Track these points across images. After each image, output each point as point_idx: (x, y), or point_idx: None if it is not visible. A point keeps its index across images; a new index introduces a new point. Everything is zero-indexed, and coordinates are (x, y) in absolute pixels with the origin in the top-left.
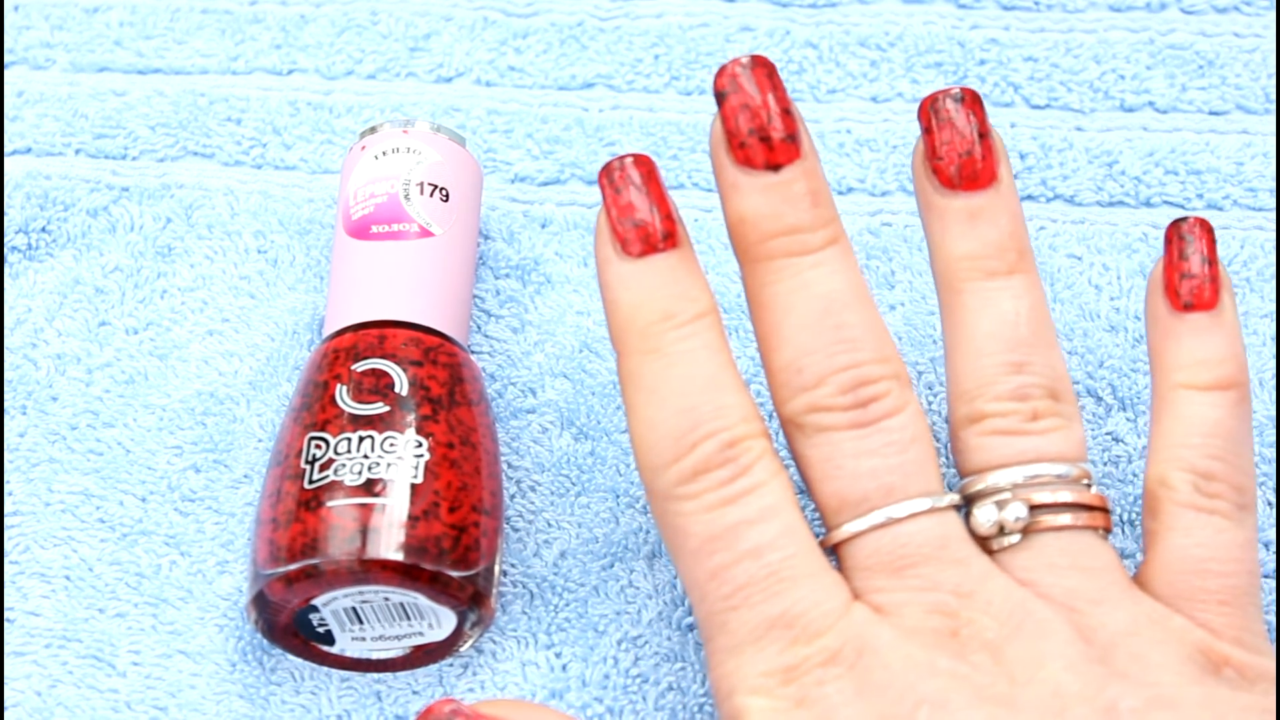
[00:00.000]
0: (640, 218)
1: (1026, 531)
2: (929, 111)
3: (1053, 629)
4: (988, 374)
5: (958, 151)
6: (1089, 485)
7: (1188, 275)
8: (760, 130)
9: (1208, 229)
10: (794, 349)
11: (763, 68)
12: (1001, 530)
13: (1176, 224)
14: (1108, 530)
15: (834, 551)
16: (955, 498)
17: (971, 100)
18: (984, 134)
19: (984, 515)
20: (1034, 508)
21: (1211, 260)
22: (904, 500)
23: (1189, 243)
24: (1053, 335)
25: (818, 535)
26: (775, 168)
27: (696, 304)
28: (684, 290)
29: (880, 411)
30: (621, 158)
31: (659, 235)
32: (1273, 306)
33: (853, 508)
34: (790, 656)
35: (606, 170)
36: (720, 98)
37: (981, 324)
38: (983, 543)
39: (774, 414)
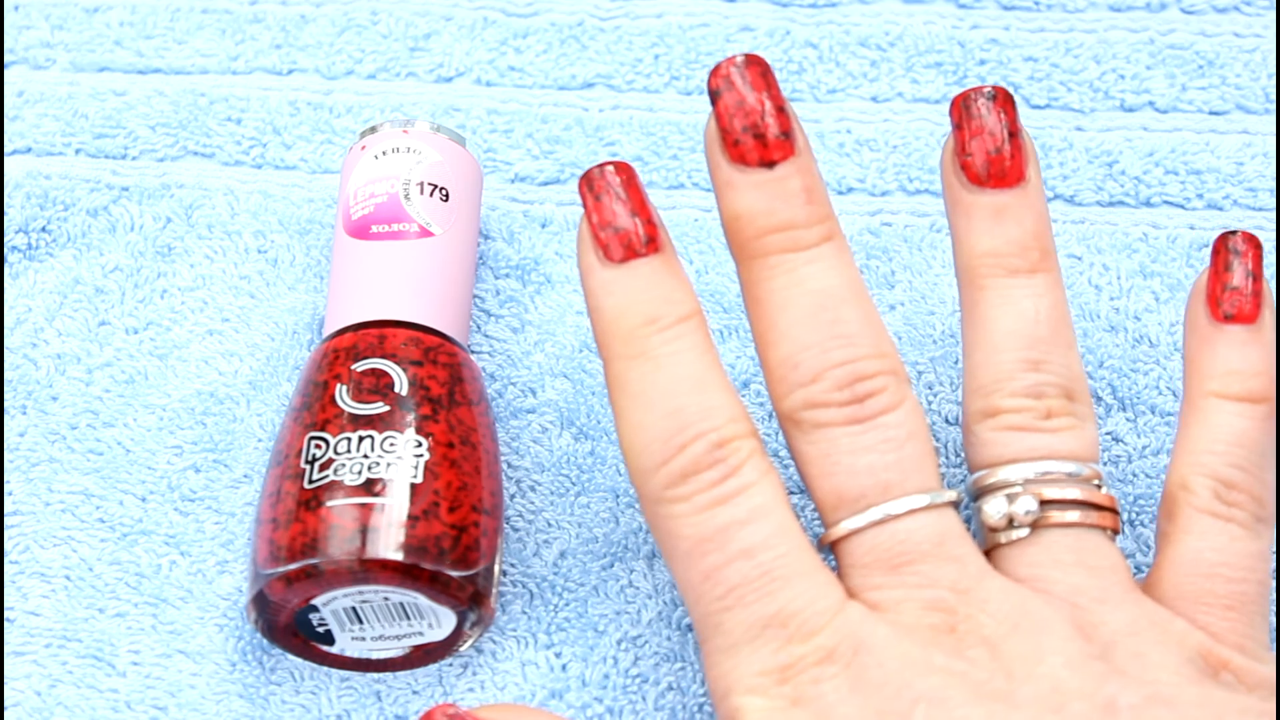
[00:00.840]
0: (621, 224)
1: (1035, 527)
2: (960, 108)
3: (1051, 625)
4: (1004, 370)
5: (986, 149)
6: (1099, 486)
7: (1230, 287)
8: (754, 128)
9: (1256, 244)
10: (790, 345)
11: (756, 66)
12: (1010, 523)
13: (1225, 236)
14: (1116, 532)
15: (830, 549)
16: (953, 494)
17: (1003, 99)
18: (1014, 133)
19: (993, 507)
20: (1044, 503)
21: (1256, 275)
22: (902, 497)
23: (1235, 255)
24: (1071, 336)
25: (814, 535)
26: (769, 165)
27: (680, 307)
28: (667, 294)
29: (877, 407)
30: (601, 165)
31: (640, 240)
32: None
33: (850, 504)
34: (785, 655)
35: (586, 178)
36: (714, 96)
37: (1001, 321)
38: (990, 535)
39: (774, 414)
